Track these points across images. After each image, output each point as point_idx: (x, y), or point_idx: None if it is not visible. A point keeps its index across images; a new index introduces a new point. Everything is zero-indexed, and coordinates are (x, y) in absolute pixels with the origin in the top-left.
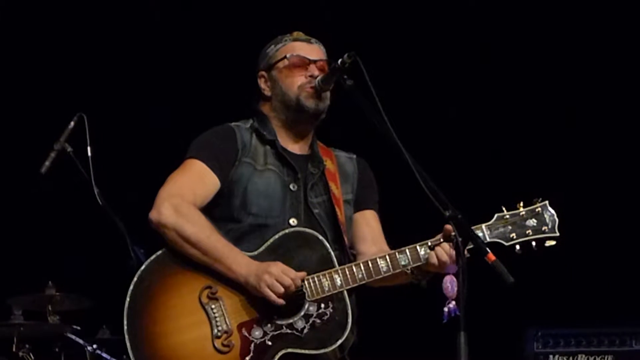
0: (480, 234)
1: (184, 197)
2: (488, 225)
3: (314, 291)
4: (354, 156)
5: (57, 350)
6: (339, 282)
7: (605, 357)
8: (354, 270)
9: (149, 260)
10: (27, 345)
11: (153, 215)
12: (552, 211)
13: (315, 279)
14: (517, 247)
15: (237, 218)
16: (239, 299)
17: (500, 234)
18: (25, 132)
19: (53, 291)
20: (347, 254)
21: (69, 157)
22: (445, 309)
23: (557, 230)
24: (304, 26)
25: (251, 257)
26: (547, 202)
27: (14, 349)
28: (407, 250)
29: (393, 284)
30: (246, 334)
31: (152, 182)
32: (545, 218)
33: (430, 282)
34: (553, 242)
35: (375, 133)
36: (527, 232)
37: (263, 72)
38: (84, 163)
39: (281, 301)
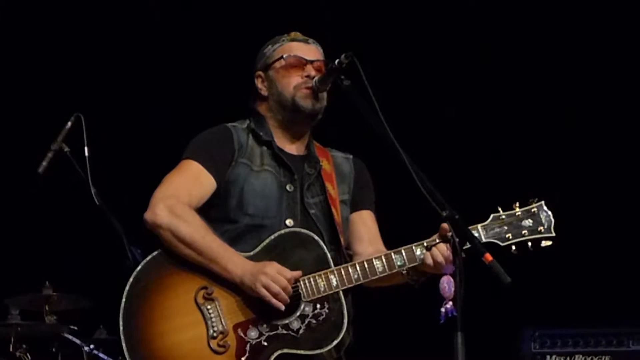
0: (476, 234)
1: (179, 197)
2: (484, 225)
3: (310, 291)
4: (351, 156)
5: (54, 350)
6: (334, 283)
7: (603, 358)
8: (350, 270)
9: (144, 261)
10: (24, 345)
11: (148, 215)
12: (548, 211)
13: (311, 279)
14: (513, 247)
15: (234, 219)
16: (234, 299)
17: (496, 235)
18: (23, 132)
19: (50, 291)
20: (343, 255)
21: (66, 157)
22: (442, 310)
23: (553, 231)
24: (302, 26)
25: (247, 257)
26: (543, 202)
27: (11, 349)
28: (403, 251)
29: (389, 284)
30: (242, 334)
31: (149, 183)
32: (541, 218)
33: (427, 283)
34: (549, 243)
35: (372, 133)
36: (523, 232)
37: (260, 72)
38: (81, 163)
39: (276, 302)
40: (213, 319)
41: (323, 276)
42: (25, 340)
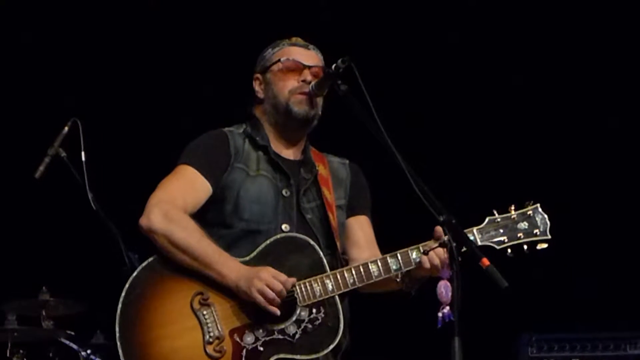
0: (472, 238)
1: (174, 203)
2: (479, 228)
3: (306, 296)
4: (347, 161)
5: (51, 355)
6: (330, 287)
7: None
8: (346, 275)
9: (140, 267)
10: (21, 351)
11: (143, 221)
12: (544, 214)
13: (307, 284)
14: (509, 250)
15: (229, 224)
16: (230, 304)
17: (492, 238)
18: (20, 137)
19: (47, 296)
20: (339, 259)
21: (63, 162)
22: (440, 314)
23: (548, 234)
24: (303, 31)
25: (243, 262)
26: (538, 205)
27: (8, 354)
28: (398, 255)
29: (384, 289)
30: (238, 339)
31: (146, 188)
32: (536, 221)
33: (423, 288)
34: (545, 245)
35: (369, 138)
36: (519, 235)
37: (258, 75)
38: (78, 168)
39: (271, 307)
40: (209, 325)
41: (319, 281)
42: (22, 346)
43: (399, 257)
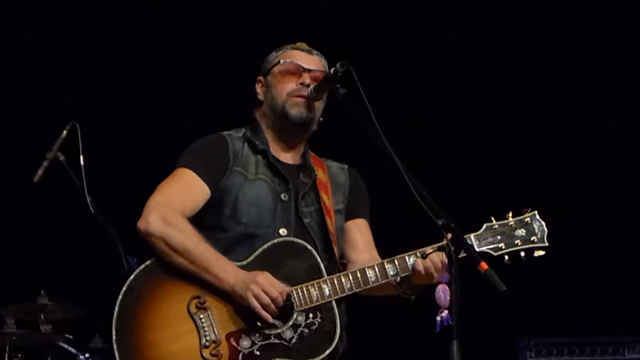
0: (469, 244)
1: (172, 206)
2: (477, 235)
3: (303, 301)
4: (346, 166)
5: (49, 359)
6: (327, 292)
7: None
8: (343, 280)
9: (138, 270)
10: (19, 354)
11: (141, 224)
12: (541, 221)
13: (304, 288)
14: (506, 257)
15: (227, 227)
16: (227, 308)
17: (489, 244)
18: (18, 140)
19: (46, 300)
20: (337, 264)
21: (62, 165)
22: (438, 318)
23: (546, 241)
24: (303, 31)
25: (240, 266)
26: (536, 212)
27: (6, 358)
28: (395, 260)
29: (382, 294)
30: (234, 343)
31: (145, 191)
32: (534, 228)
33: (422, 291)
34: (542, 253)
35: (368, 142)
36: (516, 242)
37: (261, 77)
38: (76, 172)
39: (265, 313)
40: (206, 328)
41: (316, 285)
42: (21, 349)
43: (397, 263)
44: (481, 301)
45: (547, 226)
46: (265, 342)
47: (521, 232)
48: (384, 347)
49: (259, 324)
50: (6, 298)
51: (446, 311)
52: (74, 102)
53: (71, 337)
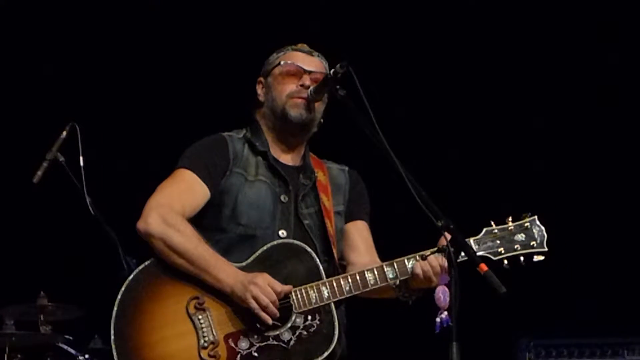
0: None
1: (172, 206)
2: (476, 239)
3: (301, 303)
4: (346, 168)
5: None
6: (326, 295)
7: None
8: (342, 282)
9: (136, 270)
10: (19, 355)
11: (140, 225)
12: (541, 226)
13: (303, 290)
14: (506, 261)
15: (227, 228)
16: (225, 310)
17: (489, 249)
18: (18, 141)
19: (45, 301)
20: (336, 266)
21: (62, 166)
22: (438, 320)
23: (545, 246)
24: (302, 32)
25: (239, 267)
26: (535, 217)
27: (5, 359)
28: (395, 263)
29: (382, 296)
30: (232, 344)
31: (144, 192)
32: (533, 233)
33: (421, 295)
34: (541, 257)
35: (368, 143)
36: (516, 247)
37: (261, 78)
38: (76, 173)
39: (264, 315)
40: (204, 329)
41: (315, 288)
42: (20, 350)
43: (396, 266)
44: (481, 302)
45: (546, 231)
46: (264, 343)
47: (521, 236)
48: (384, 348)
49: (257, 325)
50: (5, 299)
51: (446, 312)
52: (74, 102)
53: (71, 337)
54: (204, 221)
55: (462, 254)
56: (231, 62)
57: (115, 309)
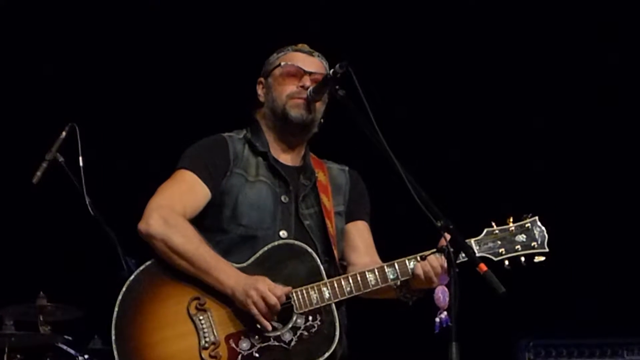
0: None
1: (173, 207)
2: (477, 240)
3: (302, 303)
4: (346, 168)
5: None
6: (327, 295)
7: None
8: (343, 283)
9: (137, 271)
10: (18, 356)
11: (141, 225)
12: (542, 227)
13: (304, 291)
14: (506, 262)
15: (227, 229)
16: (226, 310)
17: (490, 249)
18: (17, 142)
19: (44, 301)
20: (337, 266)
21: (61, 167)
22: (437, 320)
23: (546, 246)
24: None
25: (240, 268)
26: (536, 217)
27: (5, 359)
28: (395, 264)
29: (383, 297)
30: (234, 345)
31: (144, 193)
32: (534, 234)
33: (422, 296)
34: (542, 258)
35: (367, 143)
36: (516, 247)
37: (262, 79)
38: (75, 173)
39: (263, 321)
40: (205, 330)
41: (316, 288)
42: (20, 351)
43: (397, 267)
44: (480, 302)
45: (547, 232)
46: (265, 344)
47: (522, 237)
48: (384, 348)
49: (258, 326)
50: (5, 299)
51: (445, 312)
52: (73, 103)
53: (70, 338)
54: (204, 222)
55: (462, 254)
56: (231, 62)
57: (116, 309)
